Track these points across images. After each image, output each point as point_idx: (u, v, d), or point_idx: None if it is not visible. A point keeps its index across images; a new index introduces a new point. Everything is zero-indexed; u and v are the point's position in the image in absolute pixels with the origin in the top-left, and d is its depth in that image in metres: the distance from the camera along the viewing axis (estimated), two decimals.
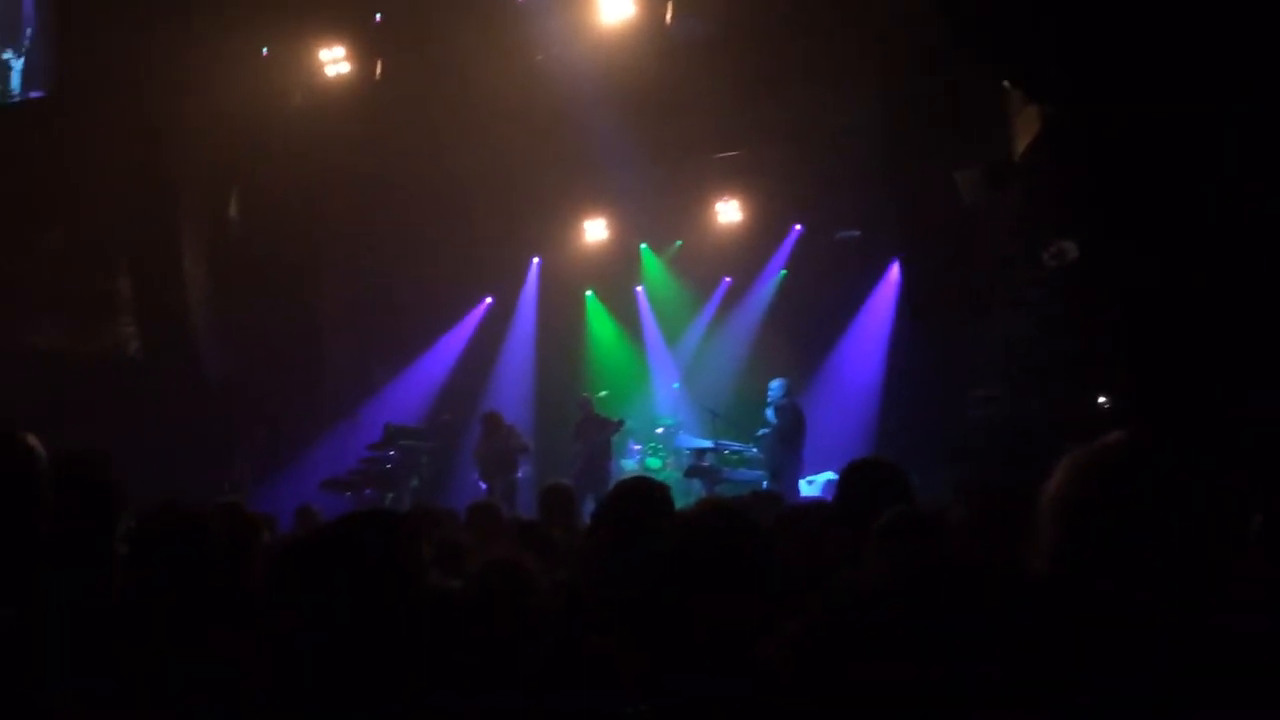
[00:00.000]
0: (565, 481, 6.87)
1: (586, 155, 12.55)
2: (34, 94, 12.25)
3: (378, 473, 12.64)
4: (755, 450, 12.64)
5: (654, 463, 13.95)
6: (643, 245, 15.35)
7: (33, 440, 1.54)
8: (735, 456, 13.23)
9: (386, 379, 14.95)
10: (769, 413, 11.66)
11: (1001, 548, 2.47)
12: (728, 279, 15.04)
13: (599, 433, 12.52)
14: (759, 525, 2.62)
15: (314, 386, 13.96)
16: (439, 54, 11.51)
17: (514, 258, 15.35)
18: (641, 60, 10.87)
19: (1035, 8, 7.13)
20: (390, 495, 12.38)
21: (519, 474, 12.34)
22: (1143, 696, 1.18)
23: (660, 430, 14.35)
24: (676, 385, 14.88)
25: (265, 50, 12.09)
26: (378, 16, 11.85)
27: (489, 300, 15.62)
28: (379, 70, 11.81)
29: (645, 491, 3.55)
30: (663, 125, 12.10)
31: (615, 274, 15.23)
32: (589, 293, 15.68)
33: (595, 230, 14.67)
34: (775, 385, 11.71)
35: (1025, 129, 8.90)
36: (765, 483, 11.35)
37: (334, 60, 11.85)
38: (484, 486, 12.00)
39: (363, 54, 11.84)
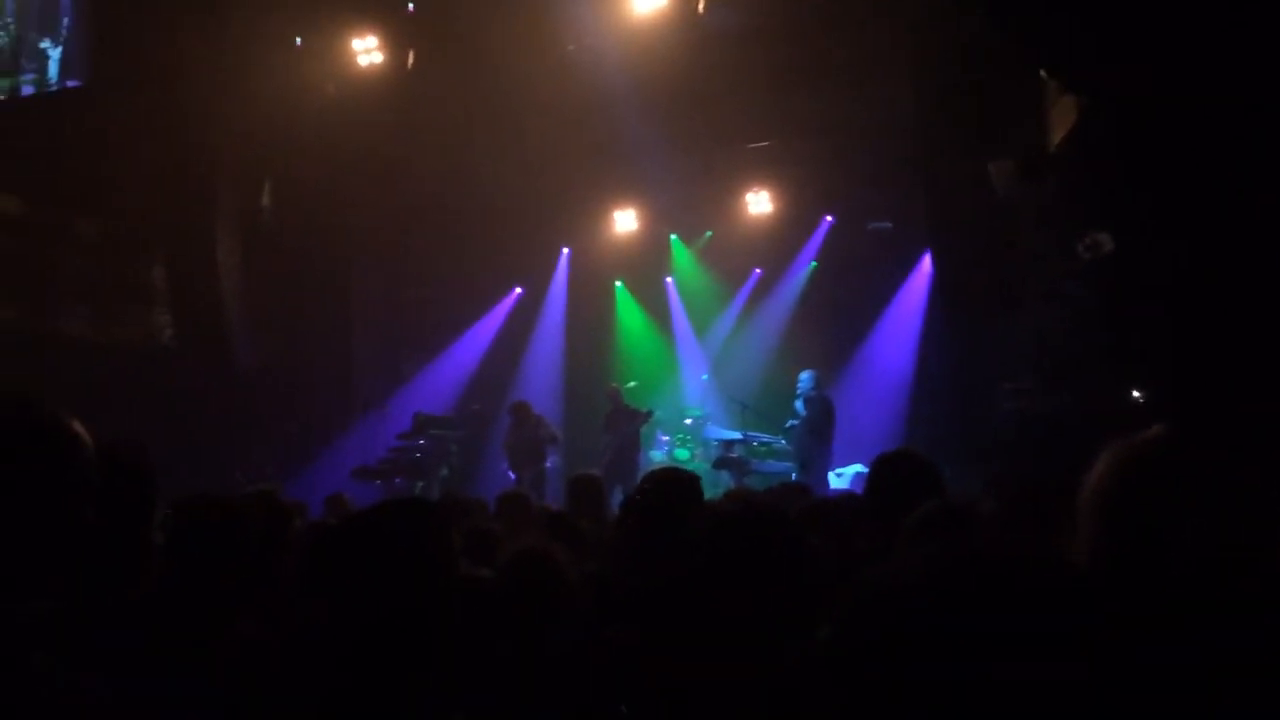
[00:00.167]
0: (594, 472, 6.88)
1: (617, 146, 12.54)
2: (71, 83, 12.36)
3: (407, 462, 12.72)
4: (784, 442, 12.60)
5: (682, 454, 13.94)
6: (673, 236, 15.35)
7: (79, 427, 1.54)
8: (764, 448, 13.20)
9: (416, 369, 15.03)
10: (798, 404, 11.61)
11: (1035, 542, 2.45)
12: (758, 270, 15.00)
13: (628, 424, 12.52)
14: (789, 518, 2.60)
15: (344, 375, 14.05)
16: (471, 44, 11.53)
17: (544, 248, 15.39)
18: (673, 51, 10.84)
19: None
20: (420, 484, 12.46)
21: (548, 464, 12.38)
22: (1189, 692, 1.16)
23: (689, 421, 14.35)
24: (705, 376, 14.87)
25: (299, 40, 12.15)
26: (410, 6, 11.87)
27: (519, 290, 15.66)
28: (411, 60, 11.84)
29: (675, 482, 3.54)
30: (694, 116, 12.07)
31: (645, 265, 15.22)
32: (618, 283, 15.69)
33: (625, 221, 14.67)
34: (805, 377, 11.66)
35: (1061, 120, 8.80)
36: (794, 475, 11.30)
37: (366, 50, 11.88)
38: (513, 476, 12.04)
39: (395, 44, 11.87)
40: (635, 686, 2.54)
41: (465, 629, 2.17)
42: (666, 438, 14.23)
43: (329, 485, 9.54)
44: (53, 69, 12.46)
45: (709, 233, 15.18)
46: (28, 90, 12.51)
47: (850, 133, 12.21)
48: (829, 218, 14.32)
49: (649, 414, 12.74)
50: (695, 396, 14.89)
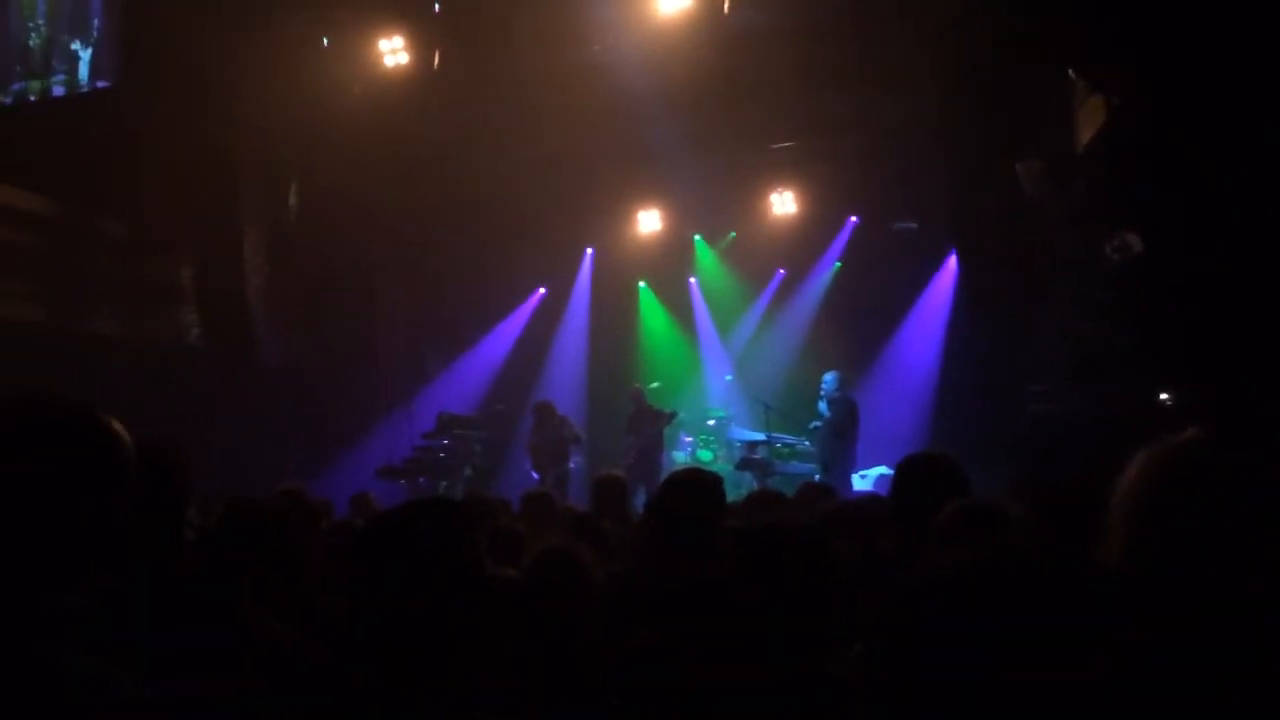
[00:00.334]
0: (617, 473, 6.87)
1: (641, 146, 12.54)
2: (101, 84, 12.48)
3: (432, 461, 12.76)
4: (807, 443, 12.57)
5: (705, 455, 13.92)
6: (696, 236, 15.33)
7: (119, 426, 1.56)
8: (787, 449, 13.17)
9: (441, 368, 15.08)
10: (822, 406, 11.58)
11: (1064, 544, 2.43)
12: (781, 271, 14.96)
13: (651, 424, 12.51)
14: (816, 534, 2.58)
15: (369, 375, 14.11)
16: (496, 44, 11.56)
17: (568, 248, 15.41)
18: (698, 51, 10.83)
19: None
20: (444, 484, 12.50)
21: (571, 464, 12.39)
22: (1226, 693, 1.15)
23: (712, 422, 14.33)
24: (728, 377, 14.85)
25: (326, 41, 12.22)
26: (436, 6, 11.91)
27: (542, 291, 15.69)
28: (437, 61, 11.88)
29: (697, 483, 3.53)
30: (718, 116, 12.05)
31: (668, 265, 15.21)
32: (642, 284, 15.68)
33: (649, 221, 14.66)
34: (828, 378, 11.62)
35: (1090, 120, 8.74)
36: (817, 476, 11.27)
37: (393, 51, 11.93)
38: (536, 476, 12.06)
39: (421, 44, 11.91)
40: (657, 687, 2.54)
41: (490, 629, 2.17)
42: (689, 438, 14.22)
43: (353, 484, 9.59)
44: (83, 70, 12.57)
45: (733, 233, 15.16)
46: (58, 91, 12.64)
47: (875, 133, 12.16)
48: (853, 218, 14.27)
49: (672, 415, 12.72)
50: (718, 397, 14.87)
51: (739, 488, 11.28)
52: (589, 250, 15.56)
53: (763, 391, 13.50)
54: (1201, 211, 7.13)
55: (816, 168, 13.35)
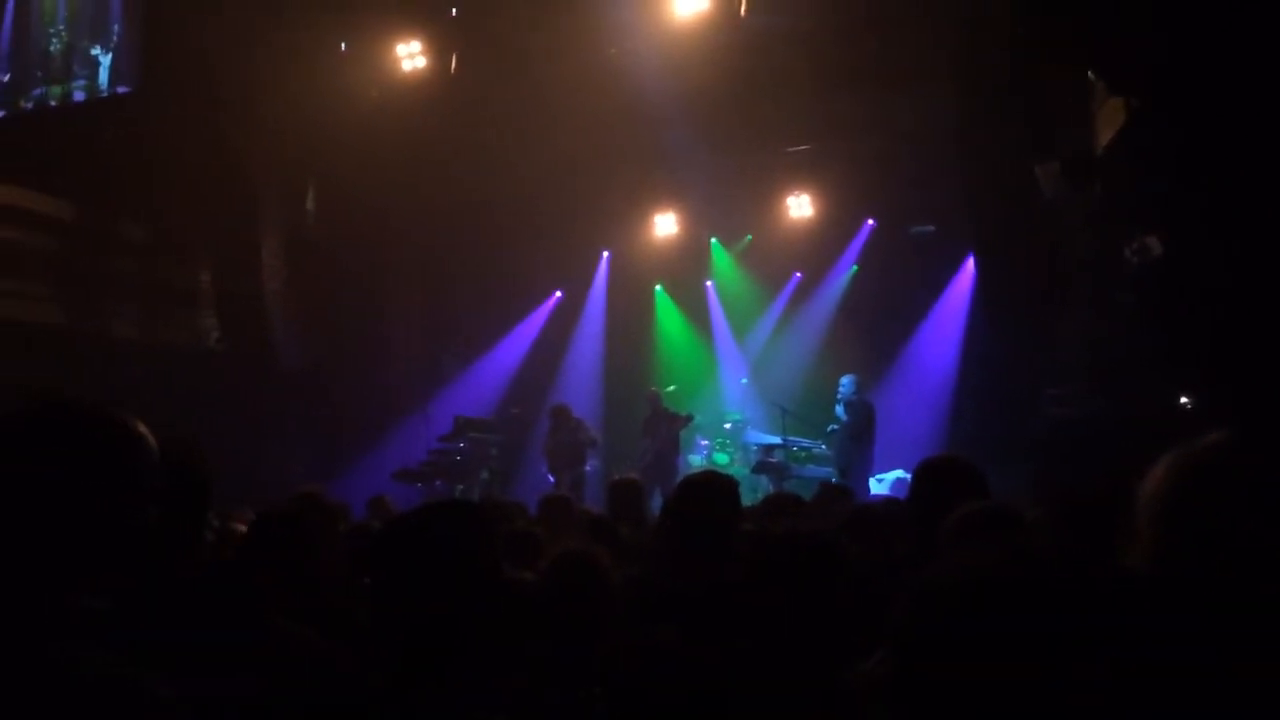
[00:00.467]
0: (634, 476, 6.87)
1: (657, 149, 12.55)
2: (121, 89, 12.57)
3: (448, 464, 12.78)
4: (824, 447, 12.54)
5: (722, 458, 13.91)
6: (713, 240, 15.33)
7: (142, 427, 1.57)
8: (804, 453, 13.15)
9: (456, 371, 15.11)
10: (839, 409, 11.54)
11: (1084, 547, 2.41)
12: (798, 274, 14.94)
13: (667, 428, 12.50)
14: (835, 544, 2.57)
15: (385, 378, 14.16)
16: (513, 48, 11.58)
17: (584, 251, 15.43)
18: (715, 54, 10.82)
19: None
20: (460, 487, 12.52)
21: (587, 467, 12.39)
22: (1254, 692, 1.14)
23: (728, 426, 14.32)
24: (745, 381, 14.83)
25: (343, 46, 12.27)
26: (453, 10, 11.95)
27: (559, 294, 15.71)
28: (454, 65, 11.91)
29: (714, 486, 3.52)
30: (734, 119, 12.03)
31: (685, 268, 15.22)
32: (658, 287, 15.69)
33: (665, 225, 14.66)
34: (846, 381, 11.57)
35: (1109, 122, 8.69)
36: (834, 480, 11.24)
37: (410, 55, 11.97)
38: (552, 479, 12.07)
39: (438, 48, 11.95)
40: (674, 689, 2.53)
41: (508, 632, 2.17)
42: (706, 442, 14.21)
43: (370, 487, 9.61)
44: (103, 75, 12.66)
45: (749, 236, 15.14)
46: (79, 96, 12.74)
47: (892, 135, 12.12)
48: (870, 221, 14.24)
49: (688, 418, 12.71)
50: (735, 401, 14.85)
51: (755, 491, 11.27)
52: (605, 253, 15.57)
53: (779, 395, 13.47)
54: (1221, 214, 7.08)
55: (833, 170, 13.31)
